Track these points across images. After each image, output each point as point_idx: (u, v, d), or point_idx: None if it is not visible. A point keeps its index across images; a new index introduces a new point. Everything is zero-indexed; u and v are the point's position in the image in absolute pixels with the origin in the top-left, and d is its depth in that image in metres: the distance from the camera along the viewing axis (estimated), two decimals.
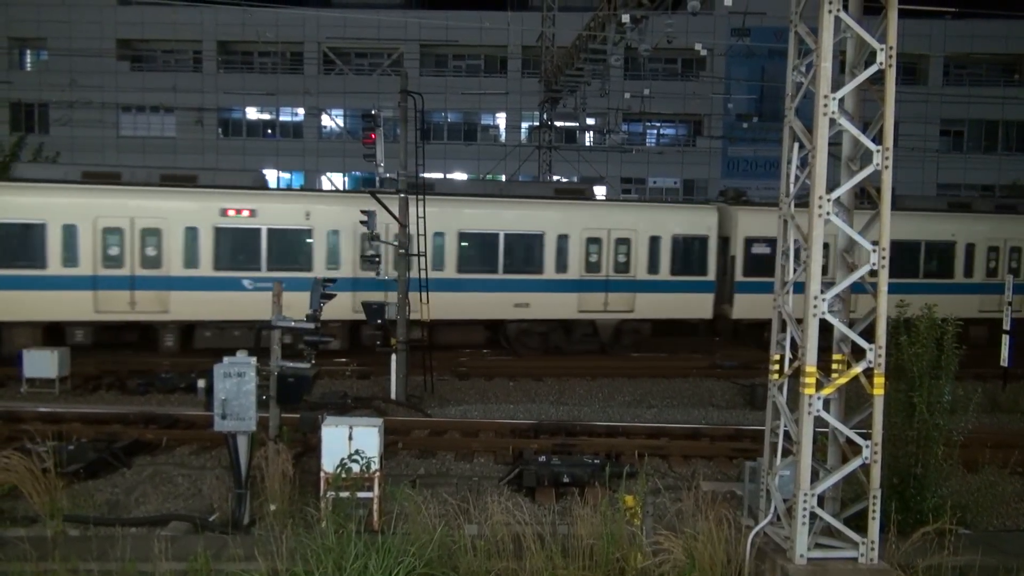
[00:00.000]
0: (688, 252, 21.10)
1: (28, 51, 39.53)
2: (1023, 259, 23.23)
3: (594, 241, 20.54)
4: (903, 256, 21.29)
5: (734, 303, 21.46)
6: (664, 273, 20.85)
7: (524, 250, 20.24)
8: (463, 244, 19.86)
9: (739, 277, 21.37)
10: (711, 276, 21.20)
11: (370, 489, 8.43)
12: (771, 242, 20.53)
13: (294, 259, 18.94)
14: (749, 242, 21.40)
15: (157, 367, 17.74)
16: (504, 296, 19.97)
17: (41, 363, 15.77)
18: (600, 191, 28.58)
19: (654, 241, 20.80)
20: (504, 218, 20.13)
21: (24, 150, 30.95)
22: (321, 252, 19.04)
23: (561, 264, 20.29)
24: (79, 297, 17.78)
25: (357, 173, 36.59)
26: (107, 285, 17.96)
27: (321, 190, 19.80)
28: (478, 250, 19.97)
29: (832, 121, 6.79)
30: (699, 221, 21.30)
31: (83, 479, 10.04)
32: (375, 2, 38.74)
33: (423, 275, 16.04)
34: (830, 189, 6.84)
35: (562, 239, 20.25)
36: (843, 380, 7.08)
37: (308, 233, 19.02)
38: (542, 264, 20.19)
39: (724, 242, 21.55)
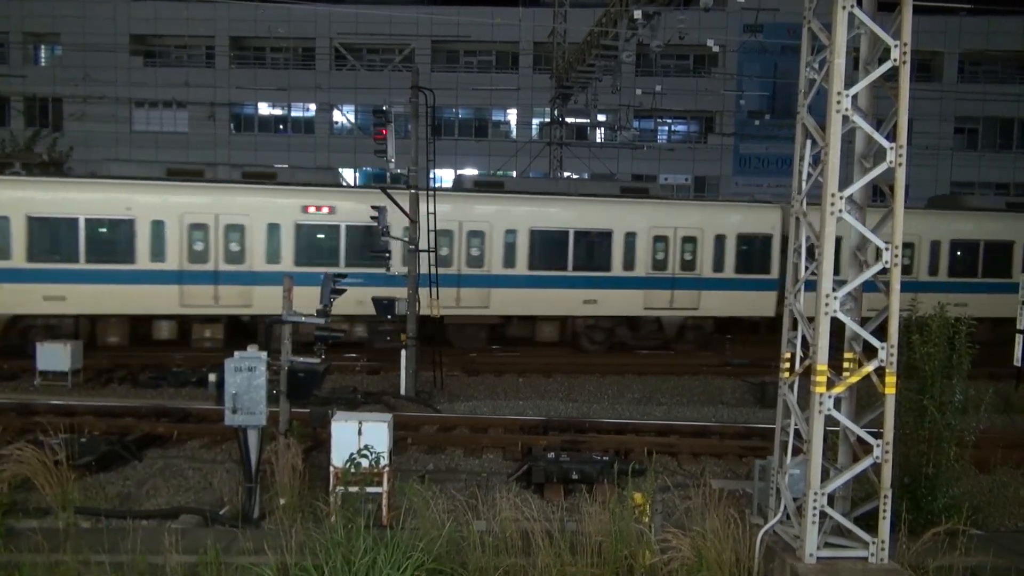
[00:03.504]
0: None
1: (42, 46, 39.79)
2: (698, 250, 21.21)
3: None
4: (551, 246, 20.45)
5: None
6: None
7: None
8: None
9: None
10: None
11: (379, 484, 8.45)
12: None
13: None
14: None
15: (169, 361, 17.89)
16: None
17: (54, 356, 15.91)
18: None
19: None
20: None
21: (38, 145, 31.16)
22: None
23: None
24: None
25: (368, 169, 36.68)
26: None
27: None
28: None
29: (845, 118, 6.74)
30: None
31: (95, 472, 10.12)
32: None
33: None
34: (843, 187, 6.79)
35: None
36: (855, 379, 7.03)
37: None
38: None
39: None
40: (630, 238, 20.72)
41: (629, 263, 20.79)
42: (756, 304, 21.50)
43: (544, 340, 21.05)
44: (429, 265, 16.12)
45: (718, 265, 21.21)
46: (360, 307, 18.09)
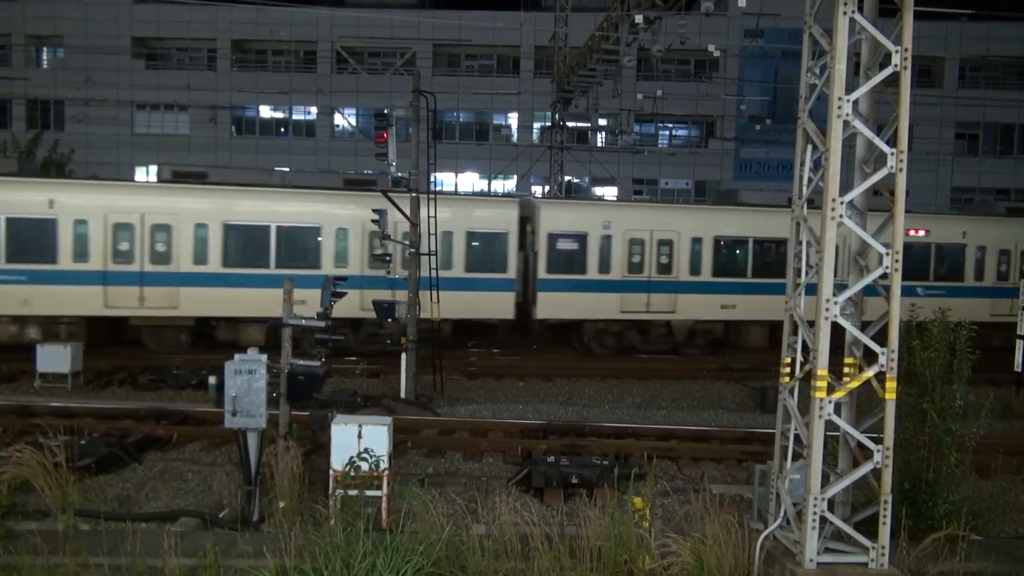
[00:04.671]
0: None
1: (44, 49, 39.87)
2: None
3: None
4: (250, 242, 18.91)
5: None
6: None
7: None
8: None
9: None
10: None
11: (379, 487, 8.45)
12: None
13: None
14: None
15: (169, 363, 17.87)
16: None
17: (54, 358, 15.90)
18: None
19: None
20: None
21: (39, 147, 31.19)
22: None
23: None
24: None
25: (368, 171, 36.70)
26: None
27: None
28: None
29: (846, 123, 6.75)
30: None
31: (94, 474, 10.11)
32: (388, 2, 38.88)
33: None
34: (843, 192, 6.80)
35: None
36: (855, 384, 7.03)
37: None
38: None
39: None
40: (342, 234, 19.16)
41: (342, 260, 19.14)
42: (493, 306, 20.21)
43: (251, 344, 19.57)
44: (430, 268, 16.14)
45: (445, 263, 19.30)
46: (25, 307, 17.45)
